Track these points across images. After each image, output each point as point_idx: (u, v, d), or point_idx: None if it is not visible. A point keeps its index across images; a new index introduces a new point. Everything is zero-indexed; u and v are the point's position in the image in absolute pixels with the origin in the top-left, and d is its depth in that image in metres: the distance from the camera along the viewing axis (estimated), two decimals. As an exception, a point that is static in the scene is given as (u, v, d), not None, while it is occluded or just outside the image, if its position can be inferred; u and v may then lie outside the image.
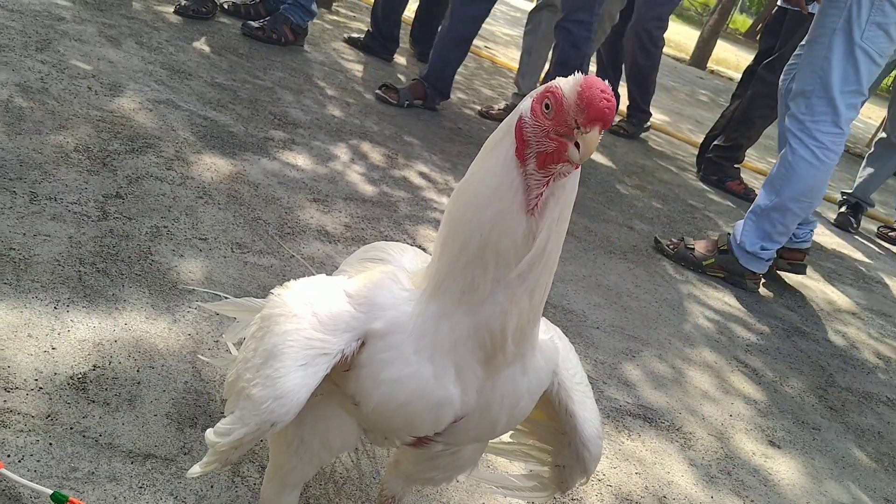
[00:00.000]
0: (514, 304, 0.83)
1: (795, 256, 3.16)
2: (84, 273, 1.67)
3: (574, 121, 0.77)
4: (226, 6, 4.12)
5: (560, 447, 1.09)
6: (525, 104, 0.82)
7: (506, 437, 1.20)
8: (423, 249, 2.32)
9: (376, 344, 0.87)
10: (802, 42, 2.94)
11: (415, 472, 1.12)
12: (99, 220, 1.89)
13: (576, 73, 0.79)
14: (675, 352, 2.31)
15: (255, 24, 3.91)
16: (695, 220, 3.67)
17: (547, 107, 0.79)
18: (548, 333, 0.96)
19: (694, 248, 3.00)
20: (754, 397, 2.22)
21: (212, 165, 2.38)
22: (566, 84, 0.78)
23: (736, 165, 4.45)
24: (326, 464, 1.04)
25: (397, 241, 2.33)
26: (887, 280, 3.86)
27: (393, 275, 0.93)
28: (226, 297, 1.45)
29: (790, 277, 3.33)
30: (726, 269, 2.99)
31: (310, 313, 0.91)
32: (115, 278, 1.69)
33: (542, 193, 0.81)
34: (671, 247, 3.01)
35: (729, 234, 3.02)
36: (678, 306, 2.63)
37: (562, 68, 3.46)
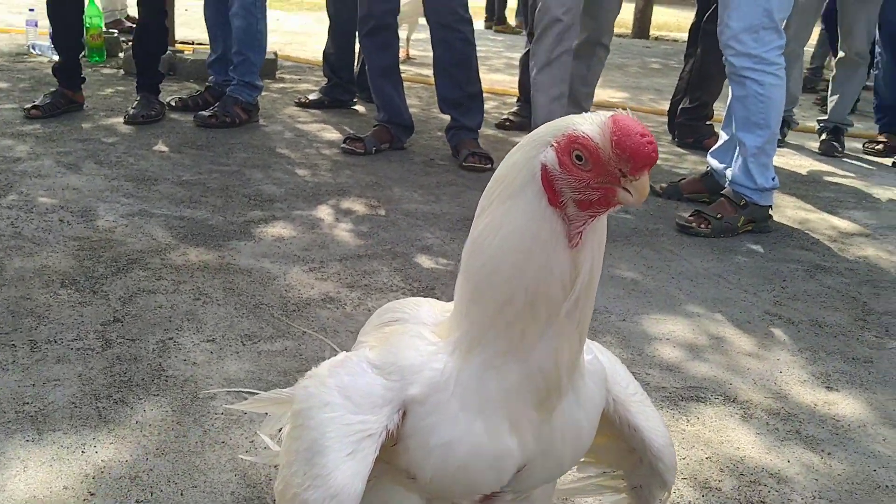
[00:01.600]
0: (565, 339, 0.80)
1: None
2: (102, 408, 1.62)
3: (619, 170, 0.73)
4: (173, 103, 4.11)
5: (632, 467, 1.05)
6: (545, 155, 0.78)
7: (573, 473, 1.15)
8: (434, 293, 2.28)
9: (418, 410, 0.83)
10: None
11: None
12: (103, 349, 1.85)
13: (584, 111, 0.77)
14: (706, 322, 2.26)
15: (206, 112, 3.89)
16: (685, 186, 3.64)
17: (579, 157, 0.75)
18: (589, 353, 0.92)
19: (722, 217, 2.97)
20: (797, 346, 2.17)
21: (200, 264, 2.34)
22: (594, 131, 0.74)
23: (707, 123, 4.43)
24: None
25: (402, 287, 2.29)
26: (887, 194, 3.83)
27: (415, 332, 0.89)
28: (251, 394, 1.40)
29: (792, 217, 3.30)
30: (754, 219, 3.03)
31: (342, 397, 0.86)
32: (135, 405, 1.65)
33: (584, 230, 0.78)
34: (703, 225, 2.97)
35: (728, 188, 3.01)
36: (695, 276, 2.59)
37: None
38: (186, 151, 3.44)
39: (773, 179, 3.01)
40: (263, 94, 4.28)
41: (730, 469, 1.62)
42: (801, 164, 4.27)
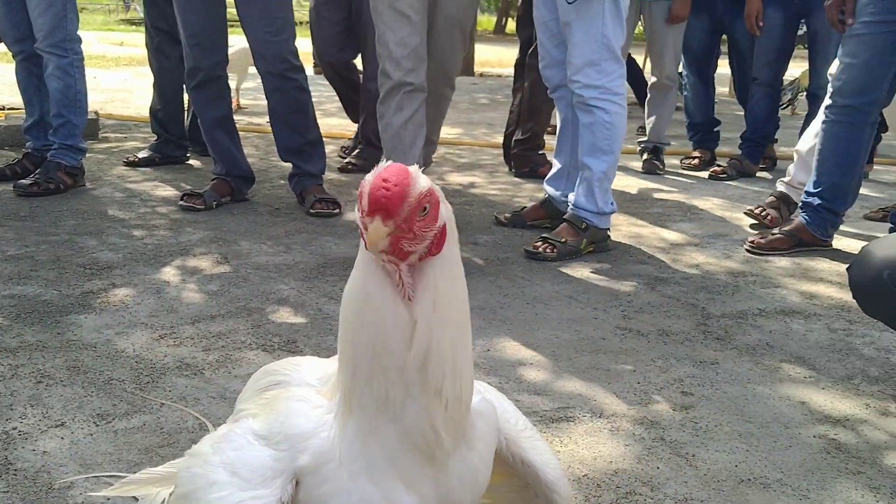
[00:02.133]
0: (433, 399, 0.81)
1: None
2: (-60, 517, 1.46)
3: (362, 211, 0.77)
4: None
5: (528, 502, 1.06)
6: None
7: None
8: (296, 345, 2.22)
9: (309, 481, 0.81)
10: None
11: None
12: (-66, 451, 1.66)
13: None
14: (564, 343, 2.34)
15: (26, 181, 3.64)
16: (527, 214, 3.77)
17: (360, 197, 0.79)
18: (477, 394, 0.93)
19: (566, 241, 3.09)
20: (650, 356, 2.29)
21: (38, 344, 2.17)
22: (369, 176, 0.79)
23: (540, 152, 4.63)
24: None
25: (262, 344, 2.23)
26: (707, 205, 4.14)
27: (299, 395, 0.87)
28: (113, 478, 1.31)
29: (627, 233, 3.50)
30: (595, 241, 3.19)
31: (228, 474, 0.82)
32: (-21, 508, 1.49)
33: (402, 279, 0.80)
34: (549, 250, 3.07)
35: (570, 212, 3.15)
36: (548, 300, 2.68)
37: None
38: (9, 224, 3.20)
39: (612, 204, 3.20)
40: (88, 155, 4.07)
41: (606, 483, 1.68)
42: (628, 184, 4.54)
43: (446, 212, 0.83)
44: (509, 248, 3.22)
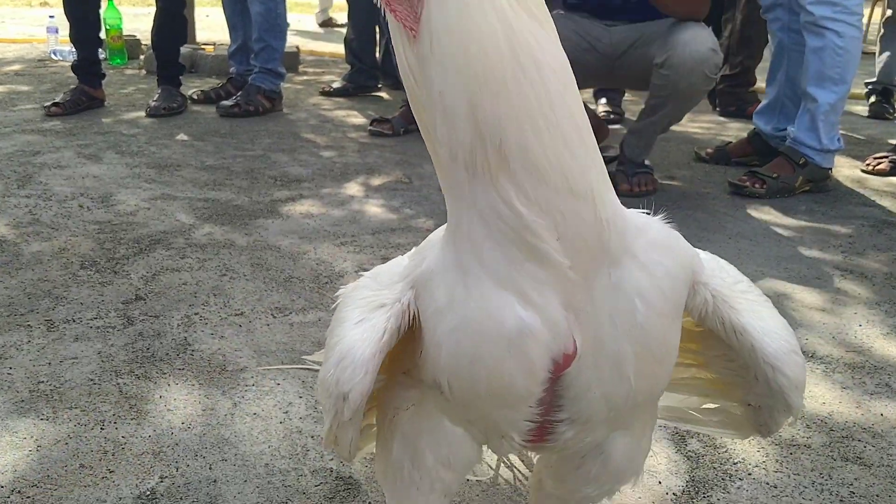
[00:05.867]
0: (492, 167, 0.62)
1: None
2: (123, 384, 1.49)
3: None
4: (195, 96, 4.01)
5: (747, 386, 0.81)
6: None
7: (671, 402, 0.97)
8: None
9: (424, 294, 0.71)
10: None
11: (563, 492, 0.89)
12: (125, 327, 1.71)
13: None
14: (773, 280, 2.08)
15: (228, 102, 3.78)
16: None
17: None
18: (658, 225, 0.73)
19: (778, 176, 2.77)
20: (874, 300, 1.98)
21: (226, 242, 2.21)
22: None
23: (750, 90, 4.22)
24: (453, 490, 0.82)
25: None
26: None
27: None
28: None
29: (849, 176, 3.09)
30: (813, 179, 2.83)
31: (370, 279, 0.79)
32: (158, 380, 1.51)
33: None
34: (758, 185, 2.77)
35: (787, 146, 2.81)
36: (754, 236, 2.40)
37: None
38: (209, 139, 3.32)
39: (838, 141, 2.81)
40: (286, 85, 4.17)
41: (817, 425, 1.44)
42: (852, 127, 4.04)
43: None
44: (710, 184, 2.94)
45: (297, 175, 2.86)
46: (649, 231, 0.70)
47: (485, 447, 0.82)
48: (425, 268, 0.70)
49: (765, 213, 2.61)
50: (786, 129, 3.00)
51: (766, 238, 2.39)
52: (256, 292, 1.90)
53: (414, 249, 0.79)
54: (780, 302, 1.95)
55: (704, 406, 0.95)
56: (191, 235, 2.25)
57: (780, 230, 2.46)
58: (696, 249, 0.78)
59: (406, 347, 0.74)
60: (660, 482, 1.28)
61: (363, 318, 0.72)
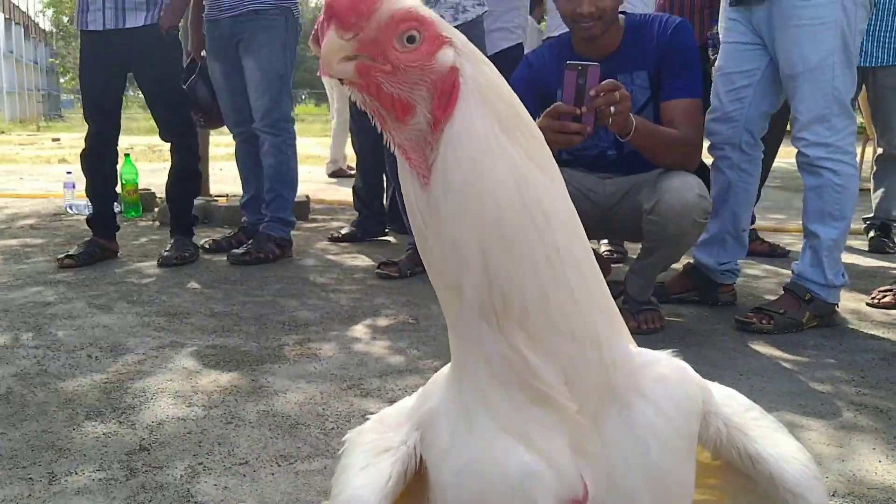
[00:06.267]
0: (500, 319, 0.64)
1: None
2: (123, 539, 1.45)
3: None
4: (207, 245, 4.10)
5: None
6: None
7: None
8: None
9: (428, 435, 0.71)
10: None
11: None
12: (127, 479, 1.68)
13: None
14: (788, 415, 2.03)
15: (239, 250, 3.86)
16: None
17: None
18: (666, 360, 0.74)
19: (785, 312, 2.77)
20: (894, 433, 1.94)
21: (233, 389, 2.20)
22: None
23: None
24: None
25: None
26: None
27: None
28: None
29: (853, 310, 3.09)
30: (820, 314, 2.82)
31: (375, 423, 0.79)
32: (159, 533, 1.47)
33: (409, 155, 0.68)
34: (765, 321, 2.76)
35: (793, 282, 2.82)
36: (764, 372, 2.38)
37: None
38: (219, 287, 3.37)
39: (842, 276, 2.82)
40: (296, 232, 4.27)
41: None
42: (854, 261, 4.08)
43: (461, 60, 0.65)
44: (717, 320, 2.94)
45: (305, 319, 2.88)
46: (657, 366, 0.71)
47: None
48: (430, 408, 0.71)
49: (774, 349, 2.60)
50: (727, 263, 3.09)
51: (777, 374, 2.37)
52: (262, 440, 1.87)
53: (420, 390, 0.80)
54: (796, 437, 1.91)
55: None
56: (197, 382, 2.24)
57: (789, 366, 2.44)
58: (706, 381, 0.78)
59: (416, 490, 0.73)
60: None
61: (368, 463, 0.71)
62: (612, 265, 3.59)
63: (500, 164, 0.63)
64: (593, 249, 2.53)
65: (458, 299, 0.65)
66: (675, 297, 3.16)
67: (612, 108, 2.28)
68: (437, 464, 0.68)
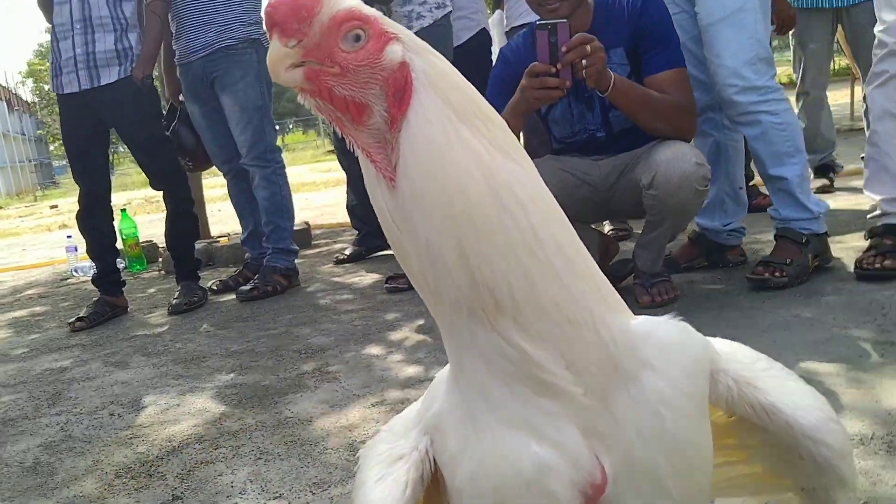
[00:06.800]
0: (487, 310, 0.63)
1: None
2: (167, 591, 1.43)
3: None
4: (214, 287, 4.10)
5: (796, 470, 0.77)
6: None
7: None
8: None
9: (437, 439, 0.70)
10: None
11: None
12: (164, 530, 1.67)
13: None
14: (815, 364, 2.01)
15: (246, 287, 3.86)
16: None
17: None
18: (664, 325, 0.71)
19: (791, 262, 2.72)
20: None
21: (258, 425, 2.19)
22: None
23: (751, 184, 4.26)
24: None
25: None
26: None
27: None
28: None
29: (852, 247, 3.06)
30: (818, 252, 2.80)
31: (386, 432, 0.79)
32: (202, 580, 1.45)
33: (371, 156, 0.66)
34: (778, 274, 2.71)
35: (785, 228, 2.79)
36: (786, 326, 2.35)
37: None
38: (232, 326, 3.37)
39: (819, 203, 2.81)
40: (300, 259, 4.27)
41: (897, 512, 1.36)
42: (859, 202, 4.04)
43: (409, 55, 0.64)
44: (730, 280, 2.92)
45: (320, 345, 2.87)
46: (658, 333, 0.69)
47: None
48: (436, 410, 0.70)
49: (791, 301, 2.57)
50: (730, 224, 3.06)
51: (799, 325, 2.34)
52: (293, 470, 1.86)
53: (426, 392, 0.78)
54: (826, 386, 1.88)
55: None
56: (222, 424, 2.23)
57: (810, 314, 2.42)
58: (709, 337, 0.76)
59: (434, 492, 0.72)
60: None
61: (383, 474, 0.70)
62: (619, 243, 3.56)
63: (462, 154, 0.61)
64: (598, 231, 2.48)
65: (444, 302, 0.64)
66: (685, 267, 3.13)
67: (584, 62, 2.27)
68: (450, 468, 0.67)
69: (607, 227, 4.04)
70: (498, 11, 4.85)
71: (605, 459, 0.63)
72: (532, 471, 0.62)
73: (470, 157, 0.62)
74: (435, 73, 0.64)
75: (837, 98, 7.65)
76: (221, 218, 7.40)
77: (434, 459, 0.70)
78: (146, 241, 5.54)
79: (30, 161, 33.35)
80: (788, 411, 0.71)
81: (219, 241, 5.32)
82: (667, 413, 0.65)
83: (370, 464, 0.73)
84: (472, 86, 0.66)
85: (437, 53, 0.66)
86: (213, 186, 8.52)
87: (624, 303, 0.69)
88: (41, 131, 39.13)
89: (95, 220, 3.78)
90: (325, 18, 0.61)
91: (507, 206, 0.61)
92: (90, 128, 3.68)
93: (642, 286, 2.74)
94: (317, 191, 10.35)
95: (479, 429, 0.64)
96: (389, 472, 0.70)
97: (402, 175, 0.63)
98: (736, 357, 0.75)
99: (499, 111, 2.61)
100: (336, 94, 0.63)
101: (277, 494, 1.75)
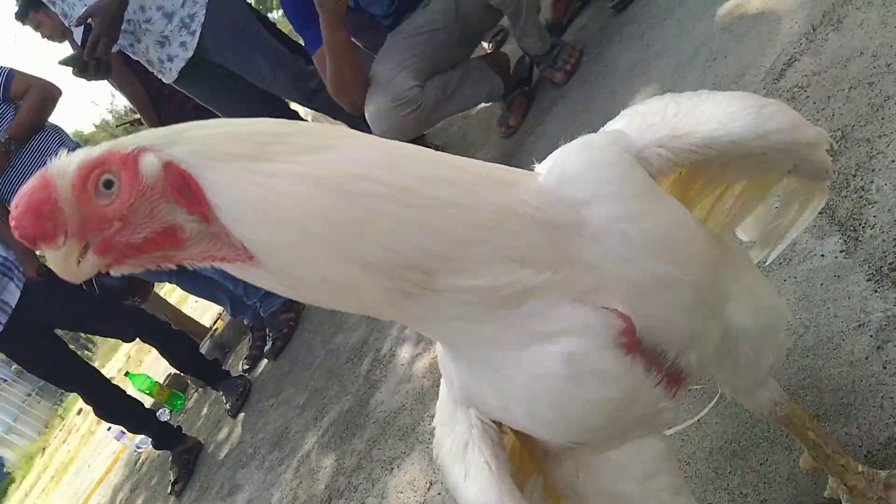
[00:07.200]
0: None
1: None
2: None
3: None
4: (246, 367, 4.09)
5: (772, 162, 0.74)
6: None
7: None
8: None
9: (478, 404, 0.71)
10: None
11: (749, 384, 0.85)
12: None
13: None
14: (720, 33, 1.99)
15: (268, 346, 3.85)
16: None
17: None
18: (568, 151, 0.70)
19: None
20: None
21: (368, 442, 2.22)
22: None
23: None
24: (679, 482, 0.78)
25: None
26: None
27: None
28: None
29: None
30: None
31: (438, 424, 0.78)
32: None
33: None
34: None
35: None
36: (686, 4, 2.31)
37: None
38: (284, 384, 3.38)
39: None
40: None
41: None
42: None
43: (165, 152, 0.59)
44: (603, 13, 2.86)
45: (359, 341, 2.89)
46: (565, 170, 0.67)
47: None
48: (459, 384, 0.69)
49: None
50: None
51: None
52: (425, 458, 1.90)
53: (442, 378, 0.78)
54: (729, 49, 1.87)
55: (775, 207, 0.90)
56: (342, 465, 2.27)
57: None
58: (610, 123, 0.74)
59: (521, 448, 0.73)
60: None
61: (464, 469, 0.70)
62: (503, 51, 3.49)
63: (281, 187, 0.58)
64: (480, 57, 2.39)
65: (387, 305, 0.62)
66: (568, 21, 3.07)
67: None
68: (506, 420, 0.67)
69: (486, 45, 3.95)
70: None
71: (614, 305, 0.63)
72: (566, 368, 0.62)
73: (289, 183, 0.58)
74: (200, 144, 0.60)
75: None
76: (202, 306, 7.33)
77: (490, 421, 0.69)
78: (167, 378, 5.52)
79: (30, 395, 33.16)
80: (723, 132, 0.69)
81: (217, 329, 5.29)
82: (628, 226, 0.64)
83: (448, 464, 0.73)
84: (241, 120, 0.62)
85: (191, 126, 0.61)
86: (172, 291, 8.42)
87: (519, 170, 0.67)
88: (16, 367, 38.65)
89: (110, 405, 3.76)
90: (66, 195, 0.57)
91: (358, 191, 0.58)
92: (35, 343, 3.60)
93: (548, 67, 2.70)
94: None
95: (499, 370, 0.64)
96: (468, 463, 0.69)
97: (253, 248, 0.59)
98: (646, 122, 0.72)
99: (315, 40, 2.49)
100: (139, 243, 0.59)
101: (434, 480, 1.80)
